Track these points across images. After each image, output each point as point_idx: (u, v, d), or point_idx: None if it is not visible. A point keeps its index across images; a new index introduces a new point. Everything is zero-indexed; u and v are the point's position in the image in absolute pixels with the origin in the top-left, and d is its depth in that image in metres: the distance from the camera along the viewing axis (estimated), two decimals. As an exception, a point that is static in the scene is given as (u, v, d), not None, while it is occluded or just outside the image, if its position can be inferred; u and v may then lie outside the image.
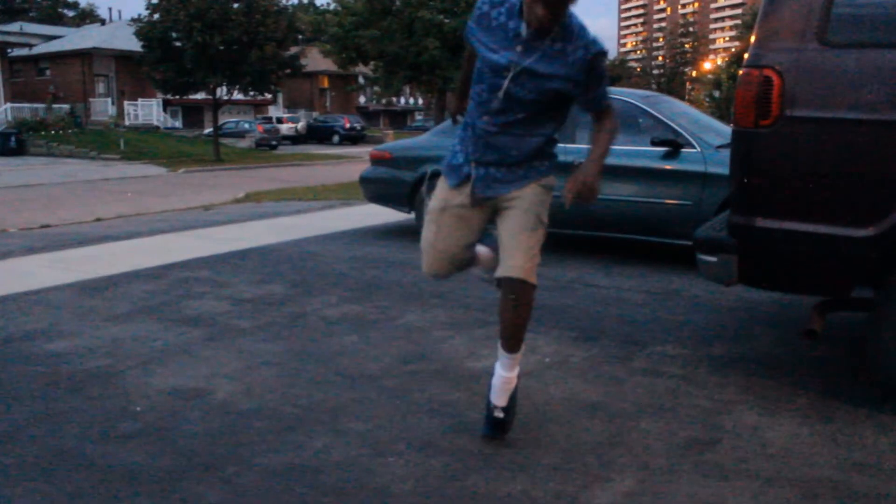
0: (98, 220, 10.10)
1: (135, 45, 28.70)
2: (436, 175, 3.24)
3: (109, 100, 41.18)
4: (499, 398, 3.08)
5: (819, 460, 2.93)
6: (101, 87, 41.94)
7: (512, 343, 3.04)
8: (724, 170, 4.15)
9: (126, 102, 40.35)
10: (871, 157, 3.18)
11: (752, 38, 3.47)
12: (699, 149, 6.20)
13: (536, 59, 2.80)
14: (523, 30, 2.78)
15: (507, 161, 2.96)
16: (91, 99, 40.72)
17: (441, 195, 3.14)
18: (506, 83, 2.84)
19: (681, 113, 6.93)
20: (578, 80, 2.83)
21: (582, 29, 2.80)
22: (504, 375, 3.08)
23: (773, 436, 3.14)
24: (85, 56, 40.70)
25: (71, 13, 78.43)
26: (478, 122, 2.96)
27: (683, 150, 6.26)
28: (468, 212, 3.08)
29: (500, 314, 3.03)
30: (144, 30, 25.97)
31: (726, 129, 6.59)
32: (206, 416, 3.29)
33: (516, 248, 2.93)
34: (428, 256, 3.18)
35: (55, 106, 36.92)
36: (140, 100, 40.49)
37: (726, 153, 3.73)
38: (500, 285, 2.99)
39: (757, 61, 3.35)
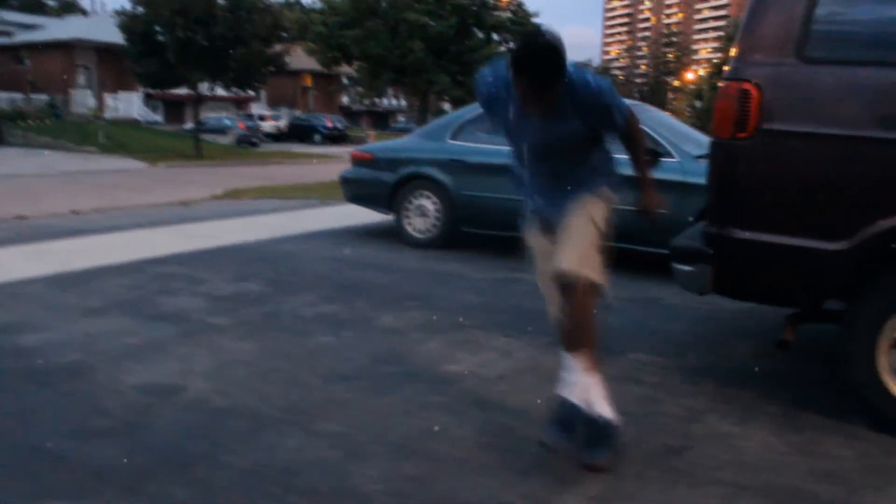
0: (74, 212, 10.00)
1: (117, 38, 28.40)
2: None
3: (90, 92, 40.76)
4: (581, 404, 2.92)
5: (788, 469, 2.97)
6: (81, 79, 41.52)
7: (568, 342, 3.04)
8: (702, 180, 4.18)
9: (107, 95, 39.98)
10: (845, 172, 3.23)
11: (733, 52, 3.51)
12: (678, 158, 6.25)
13: (547, 126, 2.89)
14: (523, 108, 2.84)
15: (563, 191, 3.06)
16: (71, 90, 40.28)
17: (534, 240, 3.26)
18: (526, 151, 3.03)
19: (661, 123, 6.98)
20: (595, 123, 2.95)
21: (583, 84, 2.82)
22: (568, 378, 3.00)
23: (744, 444, 3.17)
24: (66, 47, 40.28)
25: (53, 3, 77.65)
26: (524, 174, 3.15)
27: (663, 159, 6.30)
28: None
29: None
30: (128, 23, 25.75)
31: (706, 140, 6.65)
32: (178, 414, 3.28)
33: (564, 244, 2.98)
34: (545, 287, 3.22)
35: (34, 96, 36.51)
36: (121, 93, 40.12)
37: (705, 164, 3.76)
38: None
39: (736, 74, 3.39)
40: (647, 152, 3.14)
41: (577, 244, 2.95)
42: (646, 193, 3.24)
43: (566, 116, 2.86)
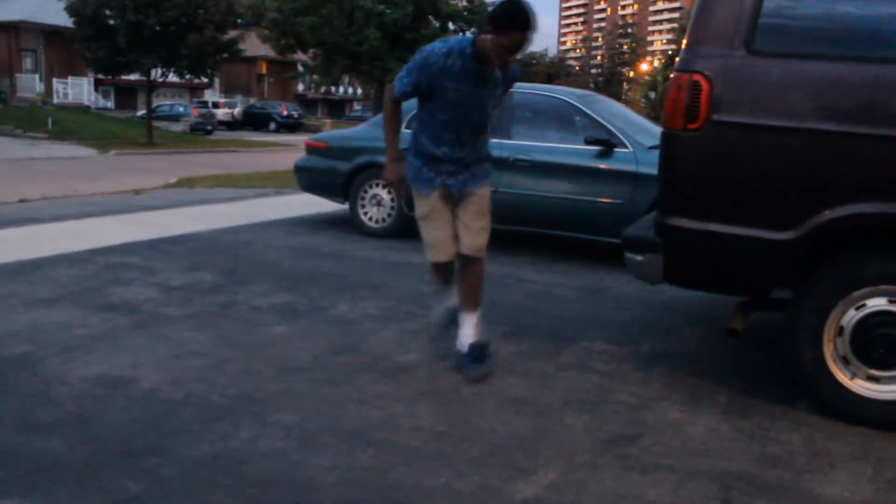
0: (22, 200, 9.78)
1: (66, 21, 27.71)
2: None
3: (37, 76, 39.81)
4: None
5: (737, 455, 3.03)
6: (28, 63, 40.49)
7: (474, 301, 3.90)
8: (655, 170, 4.23)
9: (55, 80, 39.05)
10: (792, 163, 3.30)
11: (684, 43, 3.55)
12: (632, 149, 6.32)
13: (490, 87, 3.60)
14: (479, 69, 3.51)
15: (468, 166, 3.79)
16: (17, 74, 39.27)
17: (425, 202, 3.81)
18: (461, 111, 3.62)
19: (615, 113, 7.05)
20: (501, 96, 3.75)
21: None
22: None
23: (694, 431, 3.24)
24: (11, 29, 39.18)
25: (-2, -15, 75.63)
26: (437, 150, 3.73)
27: (616, 149, 6.37)
28: (444, 206, 3.80)
29: (464, 281, 3.87)
30: (76, 5, 25.15)
31: (659, 131, 6.74)
32: (129, 405, 3.24)
33: (474, 229, 3.79)
34: (442, 244, 3.80)
35: (-22, 81, 35.60)
36: (70, 78, 39.23)
37: (658, 154, 3.81)
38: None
39: (687, 66, 3.44)
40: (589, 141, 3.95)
41: (483, 230, 3.80)
42: None
43: (496, 84, 3.63)
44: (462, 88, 3.54)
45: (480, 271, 3.85)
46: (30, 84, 38.98)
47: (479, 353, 3.80)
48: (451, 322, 4.00)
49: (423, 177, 3.79)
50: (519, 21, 3.27)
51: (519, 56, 3.47)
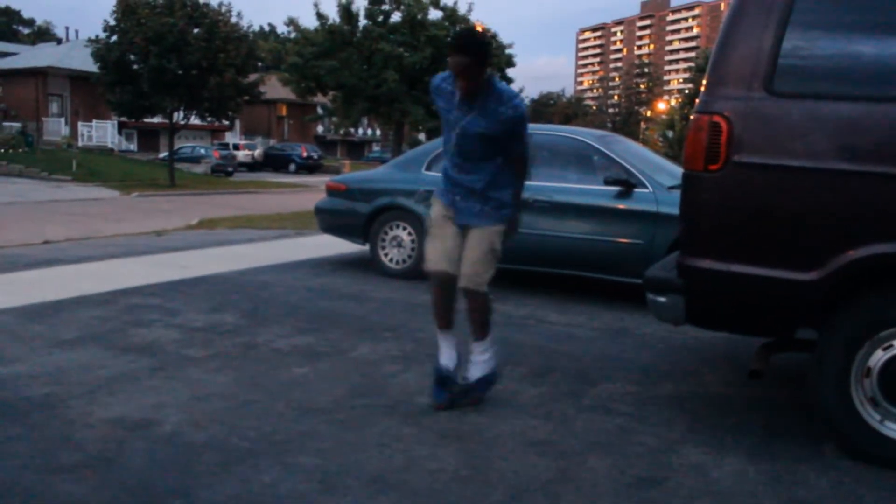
0: (46, 242, 9.90)
1: (91, 66, 28.31)
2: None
3: (63, 120, 40.54)
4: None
5: (763, 499, 2.98)
6: (54, 107, 41.28)
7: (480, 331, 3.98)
8: (675, 210, 4.24)
9: (80, 123, 39.76)
10: (814, 204, 3.29)
11: (703, 85, 3.57)
12: (651, 189, 6.33)
13: (473, 117, 3.71)
14: (457, 95, 3.72)
15: (478, 197, 3.86)
16: (44, 118, 40.04)
17: (434, 211, 3.99)
18: (454, 136, 3.79)
19: (634, 153, 7.07)
20: (506, 132, 3.74)
21: (510, 93, 3.73)
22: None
23: (719, 474, 3.19)
24: (39, 74, 40.07)
25: (26, 30, 77.36)
26: (448, 171, 3.92)
27: (636, 189, 6.38)
28: (446, 222, 3.93)
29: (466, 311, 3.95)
30: (101, 51, 25.65)
31: (678, 170, 6.74)
32: (151, 448, 3.24)
33: (470, 261, 3.84)
34: (433, 254, 3.91)
35: (6, 124, 36.22)
36: (94, 121, 39.93)
37: (678, 194, 3.82)
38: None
39: (706, 107, 3.45)
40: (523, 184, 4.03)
41: (475, 262, 3.82)
42: (513, 213, 3.99)
43: (485, 116, 3.69)
44: (452, 112, 3.78)
45: (476, 303, 3.88)
46: (56, 127, 39.68)
47: (440, 379, 3.93)
48: (440, 383, 3.93)
49: (442, 187, 3.98)
50: (451, 44, 3.64)
51: (464, 82, 3.59)
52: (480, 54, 3.59)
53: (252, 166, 43.76)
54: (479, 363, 3.97)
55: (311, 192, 24.91)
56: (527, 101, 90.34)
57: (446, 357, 3.98)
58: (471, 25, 29.35)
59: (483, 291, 3.87)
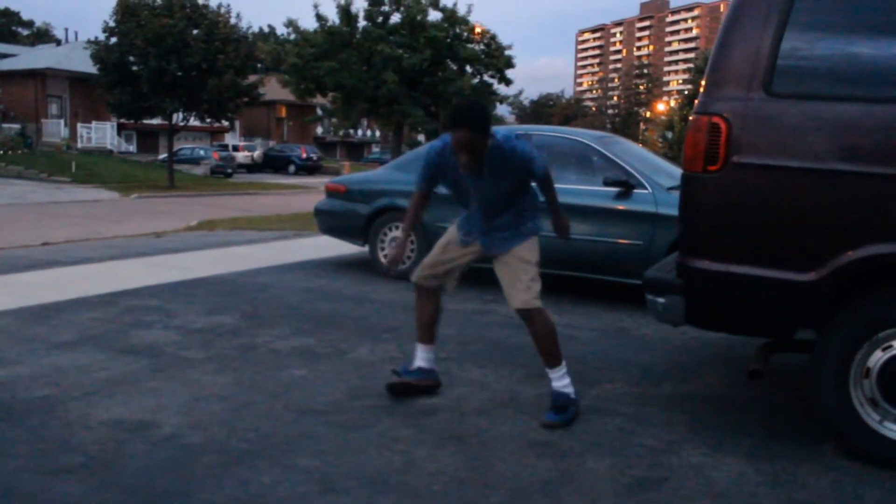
0: (46, 244, 9.90)
1: (90, 67, 28.28)
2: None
3: (62, 121, 40.51)
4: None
5: (763, 500, 2.98)
6: (53, 109, 41.24)
7: (549, 358, 3.85)
8: (674, 211, 4.24)
9: (79, 125, 39.72)
10: (813, 204, 3.29)
11: (702, 86, 3.57)
12: (650, 190, 6.33)
13: (486, 180, 3.72)
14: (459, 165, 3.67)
15: (500, 230, 3.87)
16: (43, 120, 40.00)
17: (452, 235, 4.02)
18: (473, 198, 3.84)
19: (634, 154, 7.07)
20: (522, 176, 3.77)
21: (509, 143, 3.68)
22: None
23: (718, 475, 3.19)
24: (38, 76, 40.03)
25: (25, 32, 77.35)
26: (472, 208, 3.92)
27: (635, 190, 6.38)
28: (454, 246, 4.00)
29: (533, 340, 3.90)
30: (100, 52, 25.65)
31: (677, 171, 6.75)
32: (150, 449, 3.24)
33: (513, 285, 3.81)
34: (426, 260, 4.02)
35: (5, 125, 36.20)
36: (94, 123, 39.90)
37: (677, 195, 3.82)
38: None
39: (705, 108, 3.45)
40: (554, 194, 3.97)
41: (523, 283, 3.76)
42: (558, 219, 4.03)
43: (499, 175, 3.71)
44: (462, 178, 3.78)
45: (537, 325, 3.77)
46: (55, 129, 39.66)
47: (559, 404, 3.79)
48: (396, 391, 4.01)
49: (461, 223, 4.00)
50: (452, 119, 3.58)
51: (467, 154, 3.55)
52: (483, 126, 3.55)
53: (251, 168, 43.75)
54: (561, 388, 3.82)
55: (310, 193, 24.91)
56: (526, 102, 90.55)
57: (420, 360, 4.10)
58: (470, 27, 29.37)
59: (537, 306, 3.76)
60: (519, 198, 3.86)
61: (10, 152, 31.20)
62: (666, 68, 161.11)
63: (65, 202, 19.90)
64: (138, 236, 11.19)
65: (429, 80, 28.63)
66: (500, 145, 3.67)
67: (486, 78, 30.84)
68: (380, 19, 28.83)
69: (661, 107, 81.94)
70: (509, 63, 30.68)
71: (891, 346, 3.25)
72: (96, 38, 26.64)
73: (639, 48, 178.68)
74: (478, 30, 30.06)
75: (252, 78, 28.95)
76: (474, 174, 3.71)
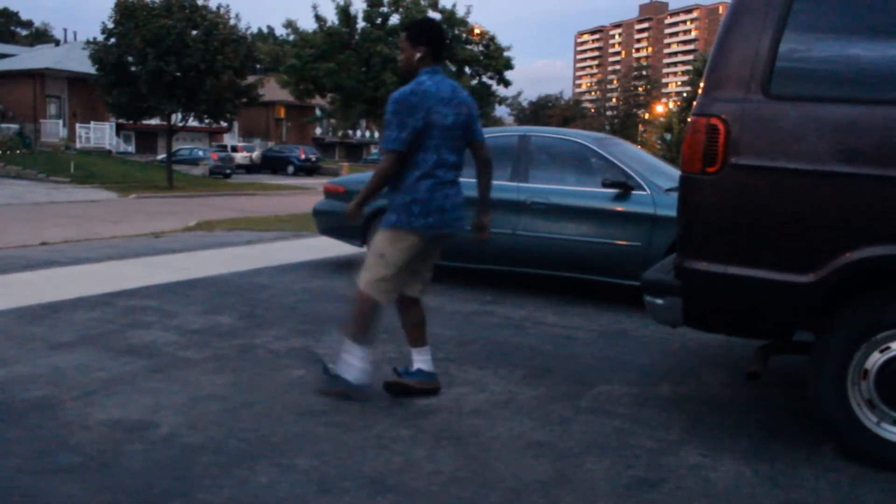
0: (44, 244, 9.89)
1: (89, 68, 28.29)
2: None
3: (61, 122, 40.52)
4: None
5: (761, 501, 2.98)
6: (52, 109, 41.25)
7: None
8: (673, 212, 4.24)
9: (78, 125, 39.73)
10: (812, 206, 3.29)
11: (701, 87, 3.57)
12: (649, 191, 6.33)
13: None
14: None
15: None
16: (42, 120, 40.01)
17: None
18: None
19: (632, 155, 7.07)
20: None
21: (409, 84, 3.75)
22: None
23: (716, 476, 3.19)
24: (37, 76, 40.04)
25: (24, 32, 77.33)
26: None
27: (634, 192, 6.38)
28: None
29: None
30: (99, 53, 25.65)
31: (676, 173, 6.76)
32: (149, 450, 3.24)
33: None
34: None
35: (4, 125, 36.21)
36: (92, 123, 39.90)
37: (675, 196, 3.82)
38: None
39: (704, 110, 3.45)
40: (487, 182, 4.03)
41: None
42: (481, 216, 4.04)
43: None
44: None
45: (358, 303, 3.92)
46: (53, 129, 39.66)
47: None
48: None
49: None
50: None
51: (399, 57, 3.93)
52: (410, 33, 3.83)
53: (250, 168, 43.75)
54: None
55: (309, 194, 24.91)
56: (525, 104, 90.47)
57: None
58: (469, 28, 29.41)
59: (365, 293, 3.87)
60: (406, 166, 3.79)
61: (8, 152, 31.20)
62: (665, 70, 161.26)
63: (63, 202, 19.89)
64: (137, 237, 11.19)
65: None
66: (417, 75, 3.81)
67: (484, 79, 30.91)
68: (379, 20, 28.88)
69: (659, 108, 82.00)
70: (508, 64, 30.74)
71: (889, 348, 3.25)
72: (95, 38, 26.65)
73: (637, 50, 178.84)
74: (477, 31, 30.12)
75: (251, 78, 28.97)
76: None
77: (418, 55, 3.80)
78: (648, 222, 6.23)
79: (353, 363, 3.87)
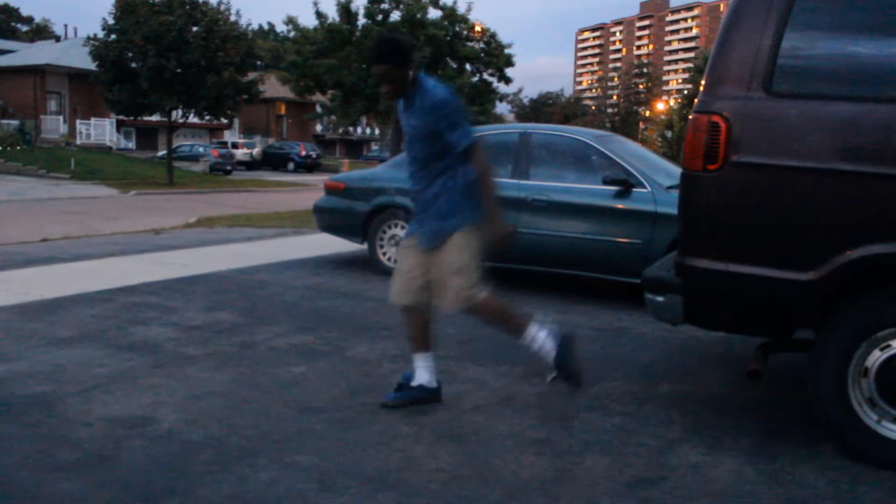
0: (44, 240, 9.89)
1: (89, 64, 28.29)
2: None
3: (61, 118, 40.49)
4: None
5: (761, 499, 2.98)
6: (52, 105, 41.21)
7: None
8: (673, 210, 4.24)
9: (78, 121, 39.71)
10: (813, 204, 3.28)
11: (702, 85, 3.57)
12: (650, 189, 6.33)
13: (407, 118, 3.71)
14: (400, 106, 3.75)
15: (424, 208, 3.78)
16: (42, 116, 39.98)
17: (404, 241, 3.92)
18: (406, 144, 3.77)
19: (633, 153, 7.06)
20: (438, 122, 3.59)
21: (433, 83, 3.64)
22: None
23: (717, 474, 3.19)
24: (37, 72, 40.00)
25: (24, 28, 77.26)
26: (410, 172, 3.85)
27: (635, 189, 6.37)
28: (410, 251, 3.86)
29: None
30: (99, 49, 25.64)
31: (677, 170, 6.75)
32: (149, 446, 3.24)
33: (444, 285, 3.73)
34: (395, 286, 3.88)
35: (4, 122, 36.18)
36: (93, 119, 39.89)
37: (676, 194, 3.82)
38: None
39: (705, 107, 3.45)
40: (487, 181, 3.68)
41: (456, 281, 3.68)
42: (490, 222, 3.70)
43: (414, 114, 3.65)
44: (403, 123, 3.78)
45: (482, 314, 3.86)
46: (54, 125, 39.64)
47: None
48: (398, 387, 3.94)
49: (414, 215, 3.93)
50: (371, 54, 3.66)
51: (387, 87, 3.63)
52: (397, 57, 3.56)
53: (250, 165, 43.72)
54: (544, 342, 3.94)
55: (309, 190, 24.90)
56: (526, 101, 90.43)
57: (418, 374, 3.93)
58: (470, 25, 29.35)
59: (479, 301, 3.74)
60: (443, 159, 3.66)
61: (8, 149, 31.18)
62: (665, 67, 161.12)
63: (63, 198, 19.88)
64: (137, 233, 11.19)
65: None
66: (421, 81, 3.64)
67: (485, 76, 30.84)
68: (379, 17, 28.80)
69: (660, 106, 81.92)
70: (509, 61, 30.67)
71: (889, 346, 3.25)
72: (95, 34, 26.62)
73: (638, 47, 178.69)
74: (477, 28, 30.05)
75: (251, 75, 28.97)
76: (403, 113, 3.72)
77: (411, 71, 3.62)
78: (649, 220, 6.22)
79: (544, 344, 3.93)
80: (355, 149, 63.01)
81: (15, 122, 36.45)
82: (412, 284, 3.80)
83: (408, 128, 3.73)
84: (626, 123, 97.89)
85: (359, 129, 59.94)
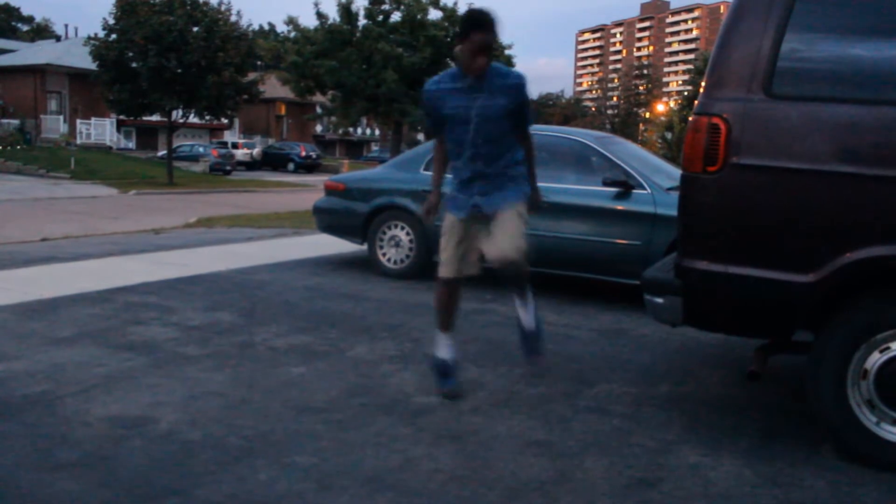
0: (44, 239, 9.89)
1: (90, 64, 28.27)
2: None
3: (61, 117, 40.50)
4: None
5: (760, 500, 2.98)
6: (53, 104, 41.22)
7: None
8: (673, 212, 4.24)
9: (78, 121, 39.72)
10: (812, 206, 3.29)
11: (702, 86, 3.57)
12: (650, 190, 6.33)
13: (485, 100, 3.76)
14: (462, 86, 3.78)
15: (495, 182, 3.92)
16: (42, 115, 39.99)
17: (448, 220, 4.02)
18: (471, 128, 3.81)
19: (633, 154, 7.06)
20: (519, 103, 3.82)
21: (504, 66, 3.87)
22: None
23: (716, 476, 3.19)
24: (38, 72, 40.01)
25: (25, 27, 77.30)
26: (464, 172, 3.94)
27: (634, 191, 6.38)
28: (463, 227, 3.99)
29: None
30: (100, 49, 25.64)
31: (676, 172, 6.75)
32: (148, 446, 3.24)
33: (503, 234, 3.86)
34: (447, 262, 4.01)
35: (4, 121, 36.19)
36: (93, 119, 39.90)
37: (676, 195, 3.82)
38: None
39: (705, 109, 3.45)
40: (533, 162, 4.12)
41: (517, 238, 3.85)
42: (534, 192, 4.16)
43: (496, 94, 3.75)
44: (460, 106, 3.80)
45: (522, 270, 4.06)
46: (54, 125, 39.65)
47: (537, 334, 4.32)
48: (441, 374, 4.10)
49: (457, 203, 3.98)
50: (474, 23, 3.64)
51: (485, 59, 3.65)
52: (496, 29, 3.68)
53: (251, 165, 43.72)
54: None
55: (309, 191, 24.90)
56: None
57: (444, 351, 4.09)
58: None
59: (524, 260, 3.96)
60: (513, 135, 3.92)
61: (8, 148, 31.17)
62: (666, 69, 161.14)
63: (63, 198, 19.88)
64: (137, 233, 11.19)
65: (428, 78, 28.64)
66: (496, 66, 3.80)
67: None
68: (380, 18, 28.80)
69: (660, 107, 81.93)
70: (509, 62, 30.66)
71: (888, 348, 3.25)
72: (96, 34, 26.63)
73: (639, 49, 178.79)
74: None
75: (251, 75, 28.97)
76: (469, 96, 3.76)
77: None
78: (649, 221, 6.22)
79: (439, 354, 4.12)
80: (355, 149, 63.03)
81: (15, 122, 36.45)
82: (472, 256, 4.01)
83: (486, 109, 3.77)
84: (626, 125, 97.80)
85: (359, 130, 59.93)
